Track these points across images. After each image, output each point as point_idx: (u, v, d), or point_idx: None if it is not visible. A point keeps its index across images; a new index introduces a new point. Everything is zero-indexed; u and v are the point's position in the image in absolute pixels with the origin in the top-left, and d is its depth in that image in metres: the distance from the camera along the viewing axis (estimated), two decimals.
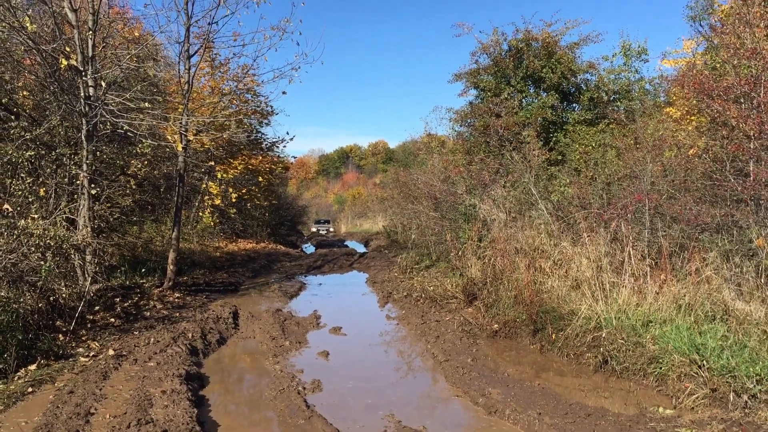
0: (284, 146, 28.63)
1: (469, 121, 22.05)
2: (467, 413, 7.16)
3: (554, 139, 20.56)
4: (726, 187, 10.02)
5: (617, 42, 52.99)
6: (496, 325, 10.19)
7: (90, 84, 11.93)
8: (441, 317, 11.52)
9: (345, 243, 33.71)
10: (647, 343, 7.59)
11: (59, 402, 6.90)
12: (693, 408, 6.24)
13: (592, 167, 17.07)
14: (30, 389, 7.43)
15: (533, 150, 15.08)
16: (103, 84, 12.10)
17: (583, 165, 17.72)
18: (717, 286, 8.18)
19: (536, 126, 19.57)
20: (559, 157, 20.27)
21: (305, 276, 19.82)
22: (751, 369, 6.24)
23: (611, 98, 21.17)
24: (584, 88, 21.32)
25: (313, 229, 53.28)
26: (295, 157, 33.26)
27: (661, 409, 6.32)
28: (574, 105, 21.92)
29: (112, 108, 12.07)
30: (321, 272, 20.89)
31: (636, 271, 9.15)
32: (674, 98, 19.21)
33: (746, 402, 5.88)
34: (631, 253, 9.37)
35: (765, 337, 6.86)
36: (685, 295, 8.18)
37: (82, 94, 11.89)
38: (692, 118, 15.81)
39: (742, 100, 11.05)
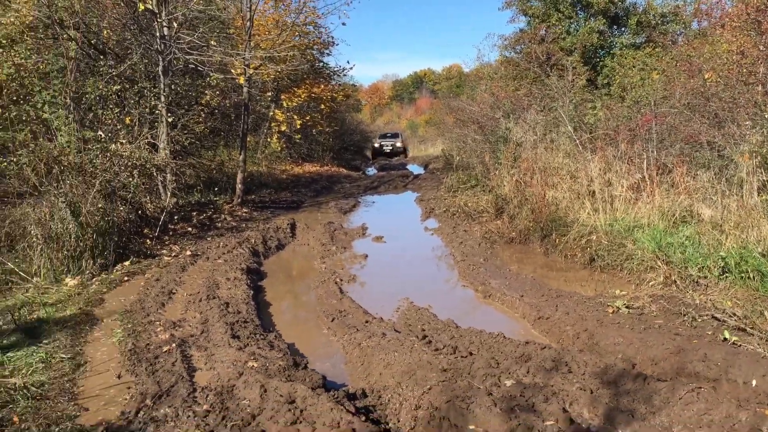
0: (344, 74, 30.20)
1: (517, 47, 22.84)
2: (467, 297, 8.81)
3: (601, 63, 21.16)
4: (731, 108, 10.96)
5: None
6: (513, 234, 11.64)
7: (164, 24, 13.64)
8: (470, 228, 13.03)
9: (406, 166, 35.10)
10: (628, 244, 8.93)
11: (149, 286, 8.89)
12: (646, 292, 7.64)
13: (630, 90, 17.83)
14: (126, 278, 9.47)
15: (570, 75, 16.01)
16: (176, 24, 13.83)
17: (626, 88, 18.46)
18: (695, 195, 9.38)
19: (581, 51, 20.24)
20: (605, 81, 20.94)
21: (362, 195, 21.43)
22: (698, 261, 7.57)
23: (659, 22, 21.46)
24: (632, 12, 21.66)
25: (376, 145, 43.66)
26: (356, 85, 34.61)
27: (617, 291, 7.73)
28: (622, 29, 22.31)
29: (183, 46, 13.80)
30: (377, 192, 22.49)
31: (633, 184, 10.39)
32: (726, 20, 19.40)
33: (679, 285, 7.24)
34: (631, 169, 10.59)
35: (719, 236, 8.11)
36: (665, 203, 9.43)
37: (157, 33, 13.62)
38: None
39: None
